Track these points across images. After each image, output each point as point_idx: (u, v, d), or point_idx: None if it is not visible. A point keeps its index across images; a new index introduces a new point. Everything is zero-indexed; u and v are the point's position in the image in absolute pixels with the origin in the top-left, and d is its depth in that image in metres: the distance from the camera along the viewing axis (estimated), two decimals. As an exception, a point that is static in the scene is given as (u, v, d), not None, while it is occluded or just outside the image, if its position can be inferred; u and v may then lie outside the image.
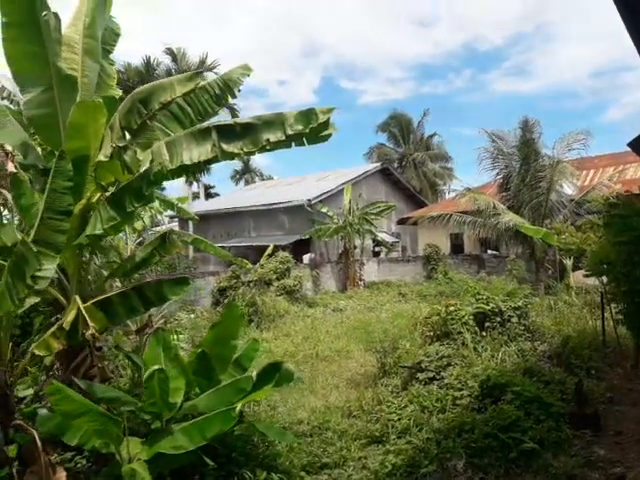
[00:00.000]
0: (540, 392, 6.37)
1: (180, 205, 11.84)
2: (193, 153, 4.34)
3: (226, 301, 15.57)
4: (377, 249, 29.49)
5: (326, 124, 4.29)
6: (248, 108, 76.85)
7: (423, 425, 5.90)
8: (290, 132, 4.24)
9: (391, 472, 5.07)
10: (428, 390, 6.75)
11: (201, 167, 4.49)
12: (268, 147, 4.30)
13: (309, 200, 25.31)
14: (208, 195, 49.50)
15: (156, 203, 13.42)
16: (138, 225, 13.27)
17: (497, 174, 20.70)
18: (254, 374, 4.38)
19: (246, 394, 4.26)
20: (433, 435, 5.59)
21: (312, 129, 4.26)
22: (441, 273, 22.47)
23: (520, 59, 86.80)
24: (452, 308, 8.52)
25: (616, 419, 6.78)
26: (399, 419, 6.08)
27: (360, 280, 24.57)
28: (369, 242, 27.10)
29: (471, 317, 8.66)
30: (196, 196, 46.88)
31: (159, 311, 9.18)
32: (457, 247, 28.24)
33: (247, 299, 15.05)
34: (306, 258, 25.99)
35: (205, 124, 4.66)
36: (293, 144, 5.01)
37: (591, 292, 15.70)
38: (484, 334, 8.60)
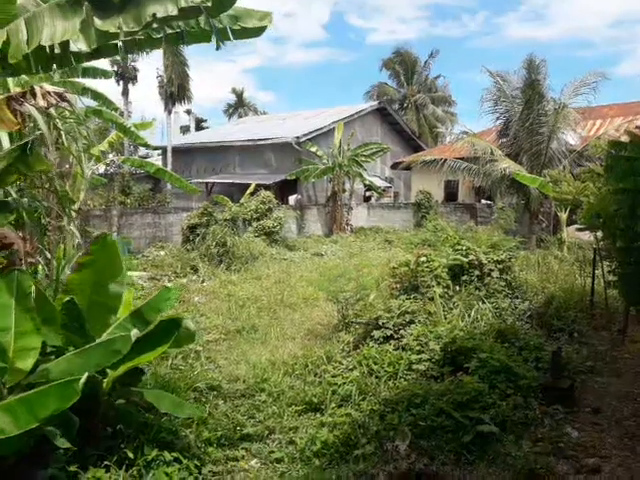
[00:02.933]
0: (511, 360, 5.49)
1: (134, 130, 10.57)
2: (57, 30, 3.14)
3: (197, 240, 14.58)
4: (368, 194, 28.36)
5: (234, -5, 3.08)
6: (245, 44, 73.05)
7: (369, 394, 5.03)
8: (184, 4, 3.03)
9: (320, 451, 4.23)
10: (382, 351, 5.85)
11: (69, 55, 3.30)
12: (156, 25, 3.11)
13: (297, 137, 23.83)
14: (200, 129, 47.55)
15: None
16: (94, 150, 12.06)
17: (497, 118, 19.36)
18: (134, 332, 3.41)
19: (124, 357, 3.31)
20: (378, 407, 4.73)
21: (216, 1, 3.05)
22: (430, 221, 21.43)
23: (537, 2, 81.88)
24: (423, 259, 7.52)
25: (596, 393, 5.95)
26: (343, 384, 5.21)
27: (347, 225, 23.62)
28: (360, 186, 25.90)
29: (445, 269, 7.70)
30: (187, 129, 45.09)
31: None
32: (451, 195, 27.11)
33: (217, 238, 14.04)
34: (292, 199, 24.86)
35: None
36: (214, 39, 3.80)
37: (584, 248, 14.82)
38: (458, 289, 7.67)
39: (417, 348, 5.79)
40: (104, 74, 12.03)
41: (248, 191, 20.70)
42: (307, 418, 4.89)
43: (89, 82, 11.11)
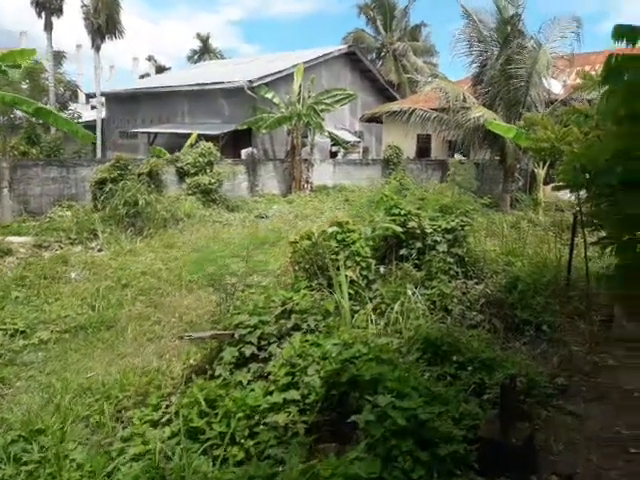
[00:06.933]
0: (433, 403, 3.30)
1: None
2: None
3: (103, 198, 12.10)
4: (335, 149, 25.76)
5: None
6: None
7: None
8: None
9: None
10: (227, 385, 3.62)
11: None
12: None
13: (250, 82, 21.00)
14: (161, 78, 43.82)
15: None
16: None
17: (472, 62, 16.87)
18: None
19: None
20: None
21: None
22: (394, 179, 19.18)
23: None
24: (333, 229, 5.27)
25: (567, 437, 3.88)
26: (132, 459, 3.00)
27: (307, 183, 21.14)
28: (326, 140, 23.25)
29: (369, 243, 5.47)
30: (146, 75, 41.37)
31: None
32: (424, 150, 24.77)
33: (127, 196, 11.58)
34: (244, 153, 22.23)
35: None
36: None
37: (563, 210, 12.83)
38: (382, 270, 5.47)
39: (285, 380, 3.57)
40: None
41: (188, 142, 18.14)
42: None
43: None
